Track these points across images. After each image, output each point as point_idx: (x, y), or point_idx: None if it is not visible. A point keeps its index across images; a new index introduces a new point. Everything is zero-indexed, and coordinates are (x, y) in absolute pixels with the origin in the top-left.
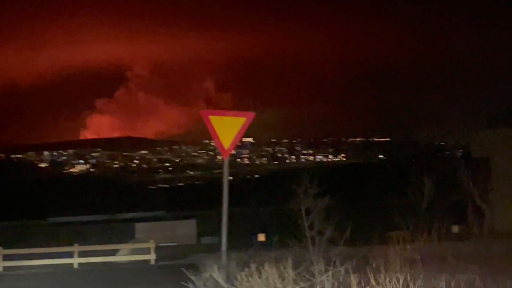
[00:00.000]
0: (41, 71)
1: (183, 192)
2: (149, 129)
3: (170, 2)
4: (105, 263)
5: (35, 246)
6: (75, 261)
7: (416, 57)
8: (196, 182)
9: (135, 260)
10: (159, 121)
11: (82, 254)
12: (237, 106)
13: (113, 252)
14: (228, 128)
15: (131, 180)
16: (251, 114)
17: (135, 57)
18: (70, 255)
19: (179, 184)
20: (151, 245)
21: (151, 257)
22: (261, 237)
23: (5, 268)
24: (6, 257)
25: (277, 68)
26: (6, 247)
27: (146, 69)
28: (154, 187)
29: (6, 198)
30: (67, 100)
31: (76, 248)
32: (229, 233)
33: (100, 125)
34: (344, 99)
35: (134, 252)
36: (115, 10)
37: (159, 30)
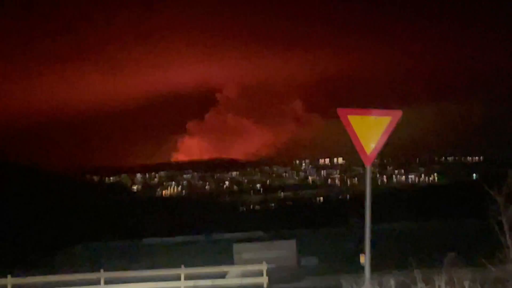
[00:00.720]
0: (132, 95)
1: (274, 212)
2: (239, 150)
3: (258, 25)
4: (214, 287)
5: (134, 269)
6: (182, 284)
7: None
8: (287, 203)
9: (246, 284)
10: (249, 143)
11: (189, 277)
12: (326, 126)
13: (221, 275)
14: (370, 130)
15: (222, 201)
16: (398, 112)
17: (225, 79)
18: (175, 277)
19: (270, 204)
20: (263, 267)
21: (264, 280)
22: (362, 259)
23: None
24: (108, 281)
25: (365, 87)
26: (105, 269)
27: (235, 91)
28: (245, 208)
29: (100, 220)
30: (158, 123)
31: (182, 270)
32: (332, 253)
33: (191, 147)
34: (435, 117)
35: (244, 274)
36: (204, 33)
37: (248, 52)
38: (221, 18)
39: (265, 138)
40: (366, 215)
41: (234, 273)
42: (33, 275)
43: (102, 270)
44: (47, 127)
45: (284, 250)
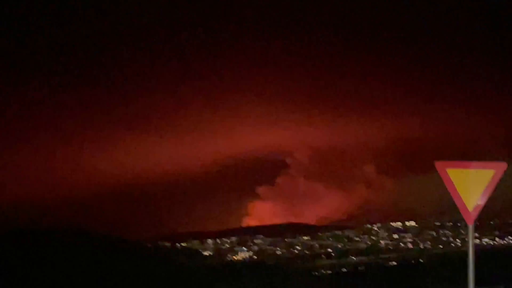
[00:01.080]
0: (202, 161)
1: (348, 277)
2: (310, 214)
3: (327, 86)
4: None
5: None
6: None
7: None
8: (359, 268)
9: None
10: (320, 207)
11: None
12: (399, 189)
13: None
14: (472, 184)
15: (294, 266)
16: (502, 165)
17: (295, 143)
18: None
19: (342, 269)
20: None
21: None
22: None
23: None
24: None
25: (439, 150)
26: None
27: (306, 154)
28: (317, 273)
29: (172, 286)
30: (228, 188)
31: None
32: None
33: (262, 212)
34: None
35: None
36: (274, 96)
37: (318, 115)
38: (291, 80)
39: (337, 202)
40: (469, 278)
41: None
42: None
43: None
44: (120, 196)
45: None
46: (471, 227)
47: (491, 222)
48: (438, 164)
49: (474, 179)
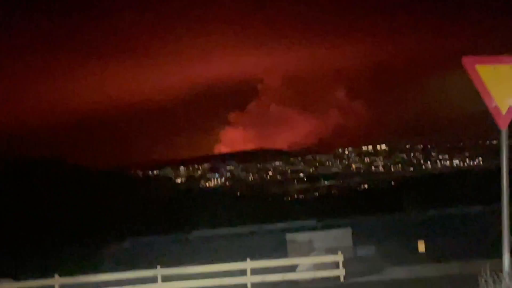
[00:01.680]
0: (174, 89)
1: (320, 201)
2: (282, 140)
3: (298, 13)
4: (284, 282)
5: (187, 263)
6: (248, 280)
7: None
8: (332, 191)
9: (320, 277)
10: (292, 132)
11: (255, 271)
12: (370, 113)
13: (291, 268)
14: (505, 82)
15: (267, 191)
16: None
17: (266, 69)
18: (238, 272)
19: (314, 193)
20: (339, 257)
21: (340, 272)
22: (421, 246)
23: None
24: (165, 278)
25: (409, 72)
26: (155, 264)
27: (277, 80)
28: (289, 197)
29: (146, 214)
30: (200, 115)
31: (248, 264)
32: (390, 241)
33: (233, 139)
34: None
35: (317, 266)
36: (243, 23)
37: (289, 41)
38: (262, 6)
39: (308, 127)
40: (502, 190)
41: (305, 265)
42: (82, 273)
43: (158, 266)
44: (90, 124)
45: (339, 239)
46: (504, 132)
47: (462, 144)
48: (466, 60)
49: (508, 77)
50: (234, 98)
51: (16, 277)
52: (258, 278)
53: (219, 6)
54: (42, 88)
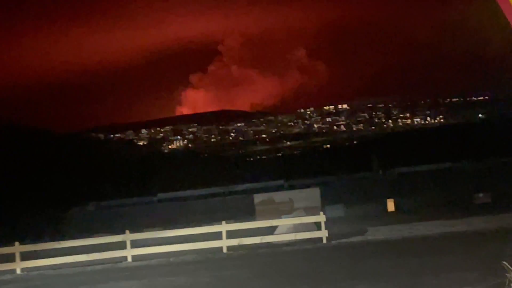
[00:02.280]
0: (134, 51)
1: (284, 161)
2: (244, 101)
3: None
4: (263, 245)
5: (153, 227)
6: (224, 243)
7: None
8: (295, 152)
9: (301, 239)
10: (254, 93)
11: (231, 234)
12: (331, 72)
13: (269, 231)
14: None
15: (228, 153)
16: None
17: (226, 30)
18: (213, 236)
19: (276, 154)
20: (321, 218)
21: (323, 234)
22: (390, 205)
23: (135, 257)
24: (135, 244)
25: (368, 30)
26: (123, 229)
27: (238, 41)
28: (252, 159)
29: (108, 178)
30: (161, 77)
31: (224, 226)
32: (358, 200)
33: (195, 100)
34: (439, 58)
35: (297, 228)
36: None
37: (249, 1)
38: None
39: (269, 88)
40: None
41: (284, 227)
42: (44, 240)
43: (127, 231)
44: (49, 88)
45: (307, 199)
46: None
47: (422, 102)
48: None
49: None
50: (195, 60)
51: None
52: (235, 241)
53: None
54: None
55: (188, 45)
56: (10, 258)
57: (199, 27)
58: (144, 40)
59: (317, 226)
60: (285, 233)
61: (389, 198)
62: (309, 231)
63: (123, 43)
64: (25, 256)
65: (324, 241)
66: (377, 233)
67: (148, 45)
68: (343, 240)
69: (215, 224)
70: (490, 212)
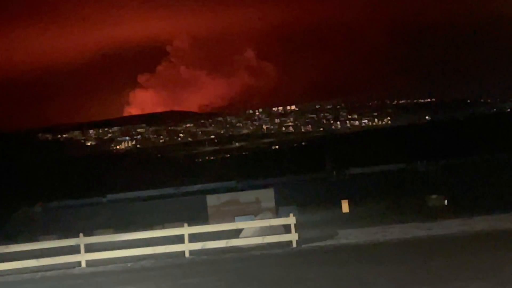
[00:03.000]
0: (81, 50)
1: (233, 162)
2: (192, 102)
3: None
4: (228, 249)
5: (104, 228)
6: (187, 247)
7: (459, 16)
8: (244, 153)
9: (269, 243)
10: (202, 94)
11: (193, 238)
12: (279, 74)
13: (233, 233)
14: None
15: (178, 154)
16: None
17: (174, 31)
18: (173, 240)
19: (225, 155)
20: (291, 220)
21: (293, 237)
22: (345, 207)
23: (89, 263)
24: (89, 248)
25: (316, 33)
26: (72, 231)
27: (186, 42)
28: (200, 159)
29: (55, 178)
30: (109, 77)
31: (186, 229)
32: (311, 201)
33: (143, 101)
34: (386, 61)
35: (263, 231)
36: None
37: (197, 2)
38: None
39: (218, 88)
40: None
41: (250, 230)
42: None
43: (81, 234)
44: None
45: (262, 199)
46: None
47: (370, 103)
48: None
49: None
50: (144, 60)
51: None
52: (198, 245)
53: None
54: None
55: (136, 45)
56: None
57: (148, 27)
58: (93, 39)
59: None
60: (252, 236)
61: (343, 199)
62: (275, 234)
63: (71, 42)
64: None
65: (294, 245)
66: (349, 236)
67: (97, 45)
68: (314, 244)
69: (171, 226)
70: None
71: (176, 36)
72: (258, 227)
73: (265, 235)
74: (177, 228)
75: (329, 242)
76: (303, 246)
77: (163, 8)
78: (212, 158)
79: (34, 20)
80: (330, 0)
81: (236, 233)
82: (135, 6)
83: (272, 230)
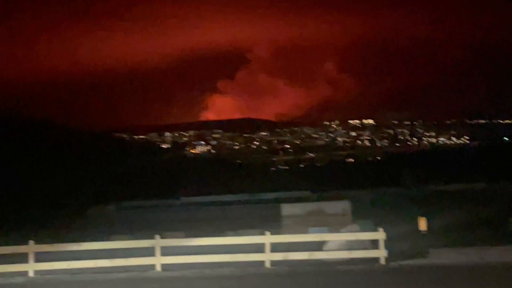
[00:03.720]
0: (163, 54)
1: (308, 172)
2: (269, 110)
3: None
4: (311, 262)
5: (176, 231)
6: (268, 257)
7: None
8: (318, 164)
9: (355, 258)
10: (280, 103)
11: (275, 247)
12: (358, 87)
13: (315, 246)
14: None
15: (251, 161)
16: None
17: (256, 38)
18: (250, 248)
19: (299, 165)
20: (381, 236)
21: (381, 254)
22: (422, 224)
23: (164, 267)
24: (165, 251)
25: (398, 49)
26: (143, 232)
27: (267, 50)
28: (274, 168)
29: (129, 178)
30: (189, 81)
31: (267, 238)
32: (388, 216)
33: (221, 106)
34: (467, 80)
35: (349, 245)
36: None
37: (280, 12)
38: None
39: (296, 98)
40: None
41: (336, 243)
42: (62, 240)
43: (157, 237)
44: (78, 86)
45: (337, 212)
46: None
47: (448, 122)
48: None
49: None
50: (223, 66)
51: None
52: (279, 256)
53: None
54: (32, 49)
55: (216, 51)
56: (23, 258)
57: (228, 34)
58: (173, 43)
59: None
60: (337, 250)
61: (420, 216)
62: (361, 249)
63: (151, 45)
64: (40, 258)
65: (383, 262)
66: (441, 255)
67: (177, 49)
68: (404, 262)
69: (244, 234)
70: None
71: (257, 44)
72: (344, 241)
73: (352, 249)
74: (259, 236)
75: (420, 261)
76: (392, 263)
77: (244, 15)
78: (286, 167)
79: (114, 22)
80: (411, 15)
81: (314, 245)
82: (216, 12)
83: (358, 245)
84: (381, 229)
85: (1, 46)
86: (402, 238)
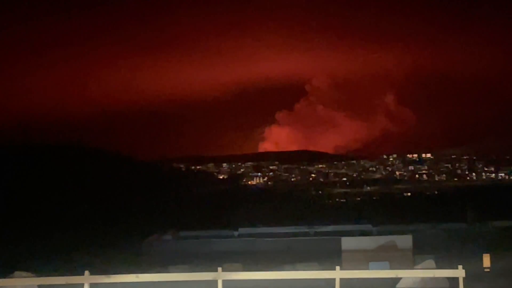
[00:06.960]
0: (222, 85)
1: (363, 206)
2: (327, 143)
3: (348, 17)
4: None
5: (235, 262)
6: None
7: None
8: (375, 197)
9: None
10: (338, 135)
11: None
12: (416, 120)
13: (390, 282)
14: None
15: (308, 193)
16: None
17: (315, 70)
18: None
19: (356, 198)
20: (460, 273)
21: None
22: (486, 260)
23: None
24: (225, 284)
25: (459, 83)
26: (200, 262)
27: (325, 82)
28: (331, 201)
29: (188, 209)
30: (247, 113)
31: (337, 273)
32: (450, 252)
33: (278, 138)
34: None
35: (424, 283)
36: (295, 23)
37: (338, 44)
38: (312, 8)
39: (354, 131)
40: None
41: (410, 280)
42: (118, 271)
43: (219, 269)
44: (136, 117)
45: (398, 246)
46: None
47: (508, 157)
48: None
49: None
50: (282, 98)
51: (38, 272)
52: None
53: (270, 6)
54: (93, 80)
55: (275, 82)
56: None
57: (287, 66)
58: (232, 75)
59: None
60: (412, 287)
61: (484, 253)
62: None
63: (211, 76)
64: None
65: None
66: None
67: (236, 80)
68: None
69: (302, 267)
70: None
71: (315, 76)
72: (419, 278)
73: (428, 287)
74: (328, 271)
75: None
76: None
77: (303, 47)
78: (342, 200)
79: (176, 53)
80: (472, 47)
81: (385, 282)
82: (276, 45)
83: (434, 283)
84: (460, 266)
85: (63, 80)
86: (468, 275)
